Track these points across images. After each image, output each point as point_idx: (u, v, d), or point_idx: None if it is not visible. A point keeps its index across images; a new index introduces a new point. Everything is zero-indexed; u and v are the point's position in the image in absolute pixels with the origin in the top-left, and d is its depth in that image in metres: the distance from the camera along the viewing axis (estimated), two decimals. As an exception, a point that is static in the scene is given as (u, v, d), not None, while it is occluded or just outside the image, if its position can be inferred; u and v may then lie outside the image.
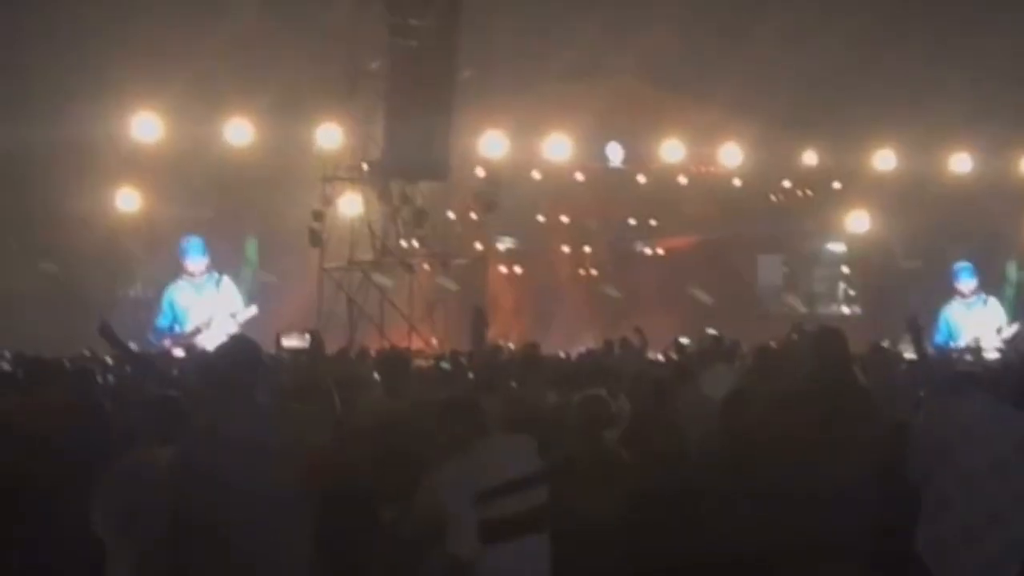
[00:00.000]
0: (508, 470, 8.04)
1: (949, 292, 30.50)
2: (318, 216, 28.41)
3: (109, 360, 18.67)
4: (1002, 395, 9.29)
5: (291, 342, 22.99)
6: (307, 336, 19.55)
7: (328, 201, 28.83)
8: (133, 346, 15.56)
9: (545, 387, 12.91)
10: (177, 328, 25.66)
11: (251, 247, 30.69)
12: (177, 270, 28.06)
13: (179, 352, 22.90)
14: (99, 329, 9.75)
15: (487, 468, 7.96)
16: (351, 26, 28.10)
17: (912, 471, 8.53)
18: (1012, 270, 35.79)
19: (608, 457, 9.54)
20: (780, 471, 8.61)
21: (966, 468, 8.29)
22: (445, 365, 18.68)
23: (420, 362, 20.67)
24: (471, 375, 15.31)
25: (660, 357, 21.01)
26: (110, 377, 16.35)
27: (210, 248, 28.15)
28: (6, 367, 17.37)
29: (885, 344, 22.35)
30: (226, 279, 26.71)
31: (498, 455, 8.08)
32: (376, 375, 12.53)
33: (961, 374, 9.44)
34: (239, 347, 8.46)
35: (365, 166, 28.57)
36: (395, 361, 12.34)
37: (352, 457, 9.31)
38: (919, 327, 10.78)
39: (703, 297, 34.90)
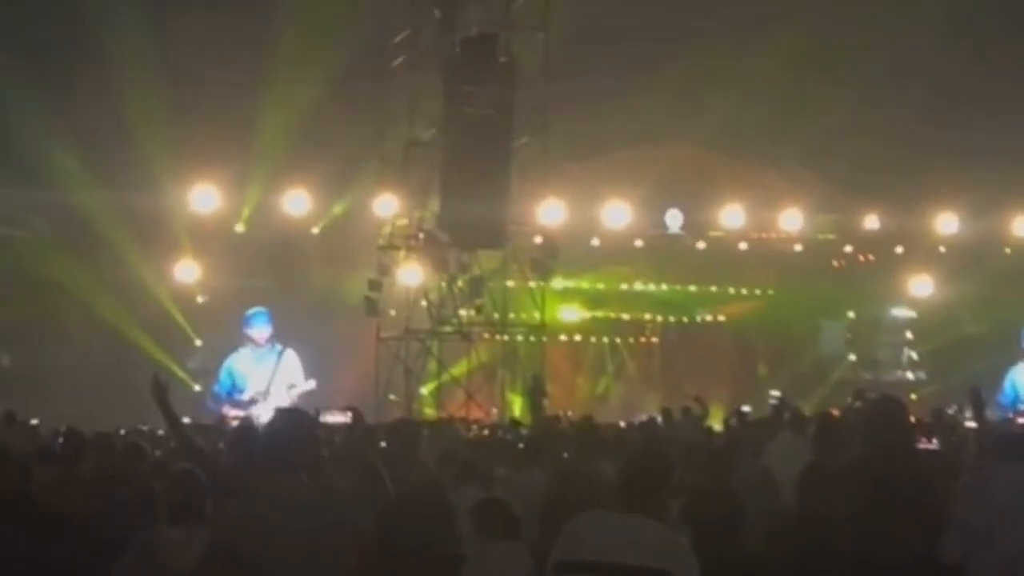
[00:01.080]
0: (605, 551, 7.29)
1: (1015, 356, 29.86)
2: (375, 286, 28.06)
3: (161, 434, 18.42)
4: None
5: (333, 418, 22.54)
6: (348, 413, 19.24)
7: (385, 271, 28.40)
8: (186, 419, 15.19)
9: (599, 458, 12.42)
10: (236, 395, 25.21)
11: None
12: (236, 342, 27.81)
13: (235, 417, 22.48)
14: (152, 389, 8.83)
15: (579, 540, 7.26)
16: (408, 96, 27.76)
17: (945, 553, 8.01)
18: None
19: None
20: (833, 544, 8.12)
21: (1003, 553, 7.79)
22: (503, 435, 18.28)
23: (476, 430, 20.42)
24: (521, 445, 14.89)
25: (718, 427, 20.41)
26: (158, 452, 15.88)
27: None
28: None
29: (951, 411, 21.89)
30: (289, 351, 26.22)
31: (599, 532, 7.39)
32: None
33: (1009, 437, 8.84)
34: (290, 422, 8.03)
35: (421, 235, 28.03)
36: (401, 430, 11.87)
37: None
38: (981, 398, 10.30)
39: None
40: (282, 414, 8.56)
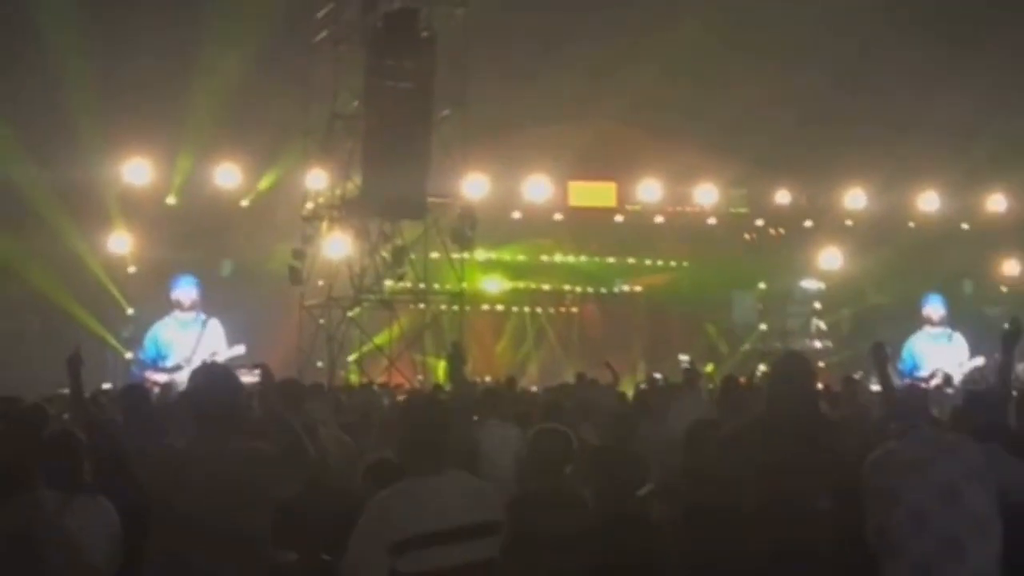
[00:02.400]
0: (440, 519, 6.66)
1: (917, 325, 29.74)
2: (298, 255, 27.44)
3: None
4: (962, 429, 8.22)
5: (243, 378, 21.89)
6: (256, 370, 18.59)
7: (308, 240, 27.79)
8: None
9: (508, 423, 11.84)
10: (160, 362, 24.55)
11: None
12: (167, 311, 27.32)
13: (155, 383, 21.82)
14: (68, 360, 8.84)
15: (407, 517, 6.60)
16: (331, 70, 27.07)
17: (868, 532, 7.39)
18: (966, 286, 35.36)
19: (565, 496, 8.33)
20: (733, 503, 7.50)
21: (915, 505, 7.16)
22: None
23: (400, 397, 19.97)
24: None
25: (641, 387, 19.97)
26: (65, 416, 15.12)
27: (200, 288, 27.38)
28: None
29: (857, 376, 21.67)
30: (213, 320, 25.69)
31: (427, 503, 6.70)
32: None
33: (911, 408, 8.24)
34: (207, 377, 7.44)
35: (343, 206, 27.51)
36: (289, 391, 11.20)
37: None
38: (884, 355, 9.73)
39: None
40: (201, 370, 7.89)
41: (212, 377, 7.48)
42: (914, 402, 7.79)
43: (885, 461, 7.39)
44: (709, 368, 29.26)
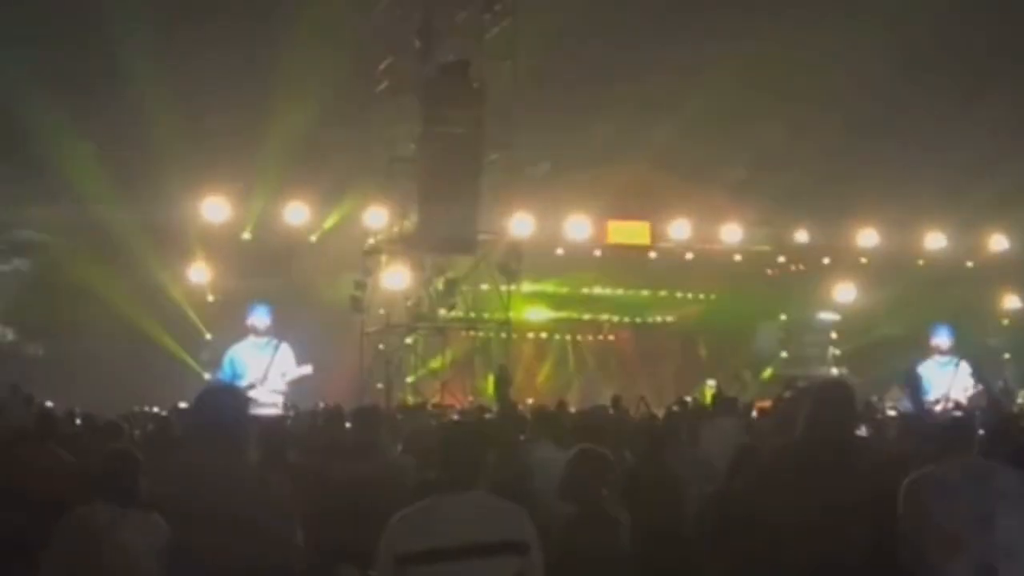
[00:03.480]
0: (451, 535, 6.10)
1: (926, 353, 29.28)
2: (359, 286, 27.35)
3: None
4: (995, 455, 7.63)
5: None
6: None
7: (369, 273, 27.70)
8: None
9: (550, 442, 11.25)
10: (236, 381, 24.25)
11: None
12: (242, 335, 27.21)
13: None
14: None
15: (419, 530, 6.05)
16: (390, 117, 27.02)
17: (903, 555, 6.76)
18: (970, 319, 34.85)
19: (603, 516, 7.77)
20: (772, 525, 6.88)
21: (950, 531, 6.56)
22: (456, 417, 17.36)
23: (453, 416, 19.60)
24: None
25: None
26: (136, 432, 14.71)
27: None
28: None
29: (873, 400, 21.28)
30: (284, 344, 25.41)
31: (441, 518, 6.13)
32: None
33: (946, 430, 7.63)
34: (214, 400, 6.89)
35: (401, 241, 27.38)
36: (366, 415, 10.69)
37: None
38: (917, 379, 9.17)
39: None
40: (209, 389, 7.37)
41: (221, 398, 6.92)
42: (963, 431, 7.20)
43: (922, 485, 6.80)
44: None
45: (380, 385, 27.52)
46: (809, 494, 6.65)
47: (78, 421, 17.12)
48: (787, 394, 11.37)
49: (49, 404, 21.05)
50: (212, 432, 6.56)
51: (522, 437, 12.18)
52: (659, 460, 10.05)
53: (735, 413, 14.22)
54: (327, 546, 7.91)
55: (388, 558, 6.07)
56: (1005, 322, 36.42)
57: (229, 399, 6.89)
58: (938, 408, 23.69)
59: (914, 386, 9.20)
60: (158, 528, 6.91)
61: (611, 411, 17.71)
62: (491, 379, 26.98)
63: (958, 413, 19.22)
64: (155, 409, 22.08)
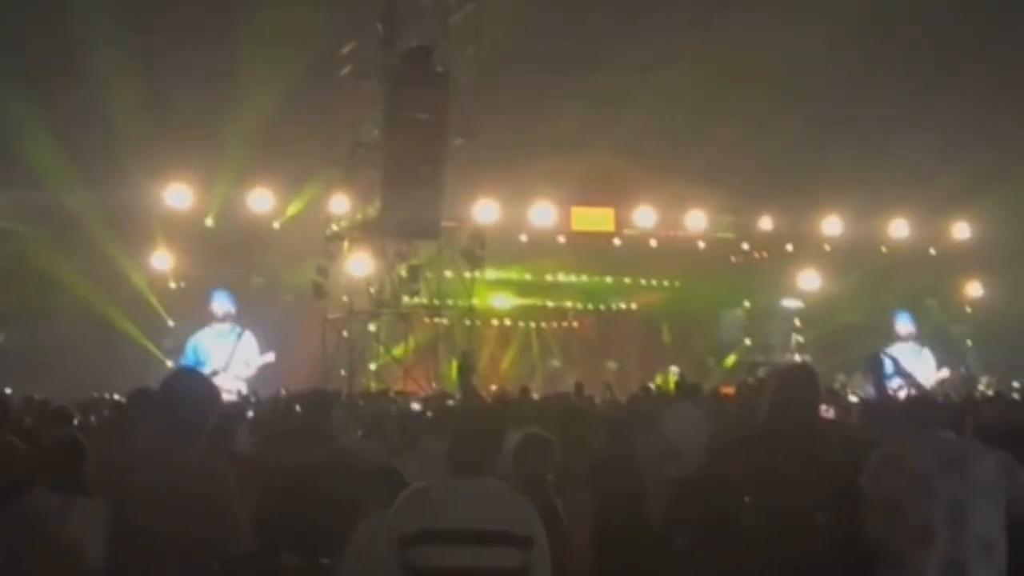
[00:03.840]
0: (455, 519, 5.92)
1: (887, 340, 29.38)
2: (322, 272, 27.06)
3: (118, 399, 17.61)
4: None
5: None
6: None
7: (332, 259, 27.43)
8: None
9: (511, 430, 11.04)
10: (199, 368, 24.14)
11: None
12: (205, 322, 27.13)
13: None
14: None
15: (423, 511, 5.88)
16: (354, 103, 26.67)
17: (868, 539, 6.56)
18: (933, 306, 34.93)
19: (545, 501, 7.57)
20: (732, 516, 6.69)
21: (920, 520, 6.37)
22: (415, 406, 17.19)
23: (415, 404, 19.36)
24: (428, 414, 13.76)
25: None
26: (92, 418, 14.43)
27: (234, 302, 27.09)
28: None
29: (837, 386, 21.24)
30: (247, 333, 25.60)
31: (446, 501, 5.94)
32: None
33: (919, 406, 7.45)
34: (182, 384, 6.65)
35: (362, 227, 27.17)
36: (314, 399, 10.46)
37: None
38: (880, 364, 8.99)
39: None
40: (178, 374, 7.11)
41: (189, 385, 6.65)
42: (923, 413, 7.01)
43: (889, 469, 6.60)
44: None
45: (343, 372, 27.32)
46: (776, 479, 6.46)
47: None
48: (750, 380, 11.17)
49: (8, 391, 20.93)
50: (167, 417, 6.33)
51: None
52: (623, 447, 9.87)
53: (698, 399, 14.03)
54: (273, 533, 7.67)
55: (391, 538, 5.94)
56: (968, 309, 36.51)
57: (196, 386, 6.63)
58: (901, 394, 23.77)
59: (877, 371, 9.02)
60: (103, 515, 6.70)
61: (574, 398, 17.56)
62: (454, 366, 26.79)
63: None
64: (115, 396, 21.82)
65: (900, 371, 9.32)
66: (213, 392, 6.77)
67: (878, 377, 8.98)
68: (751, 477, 6.56)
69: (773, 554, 6.39)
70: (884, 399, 8.61)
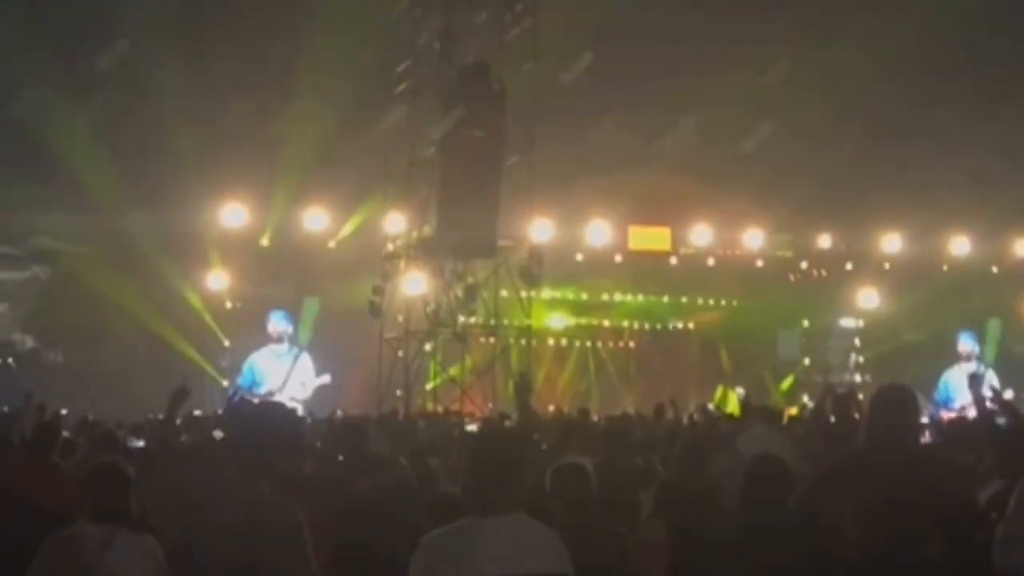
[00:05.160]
0: (489, 565, 5.28)
1: (950, 360, 28.74)
2: (378, 291, 26.72)
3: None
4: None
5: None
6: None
7: (388, 278, 27.05)
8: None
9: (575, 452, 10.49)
10: (255, 389, 23.85)
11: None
12: (260, 342, 26.83)
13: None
14: (175, 392, 8.56)
15: (453, 560, 5.23)
16: (409, 120, 26.49)
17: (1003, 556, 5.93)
18: (995, 327, 34.11)
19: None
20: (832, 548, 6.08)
21: None
22: (471, 428, 16.73)
23: (471, 425, 19.41)
24: None
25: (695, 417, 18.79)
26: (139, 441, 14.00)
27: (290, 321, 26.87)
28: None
29: None
30: (304, 354, 25.16)
31: (477, 546, 5.31)
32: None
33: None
34: (267, 418, 6.18)
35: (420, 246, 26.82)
36: (351, 431, 9.88)
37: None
38: (980, 384, 8.36)
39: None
40: (264, 408, 6.64)
41: (274, 420, 6.15)
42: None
43: None
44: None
45: (399, 392, 26.96)
46: (880, 512, 5.84)
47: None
48: (827, 401, 10.56)
49: (64, 412, 20.58)
50: (241, 450, 5.85)
51: (544, 446, 11.51)
52: (694, 470, 9.26)
53: (771, 420, 13.39)
54: (354, 561, 7.15)
55: None
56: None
57: (282, 421, 6.15)
58: (969, 415, 23.12)
59: (976, 391, 8.40)
60: (151, 550, 6.20)
61: (669, 412, 16.94)
62: (511, 386, 26.40)
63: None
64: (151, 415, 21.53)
65: (996, 396, 8.65)
66: (298, 428, 6.31)
67: (980, 398, 8.35)
68: (854, 511, 5.92)
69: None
70: (986, 420, 7.97)
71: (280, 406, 6.69)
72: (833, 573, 5.97)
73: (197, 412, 21.38)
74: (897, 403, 6.34)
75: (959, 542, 5.87)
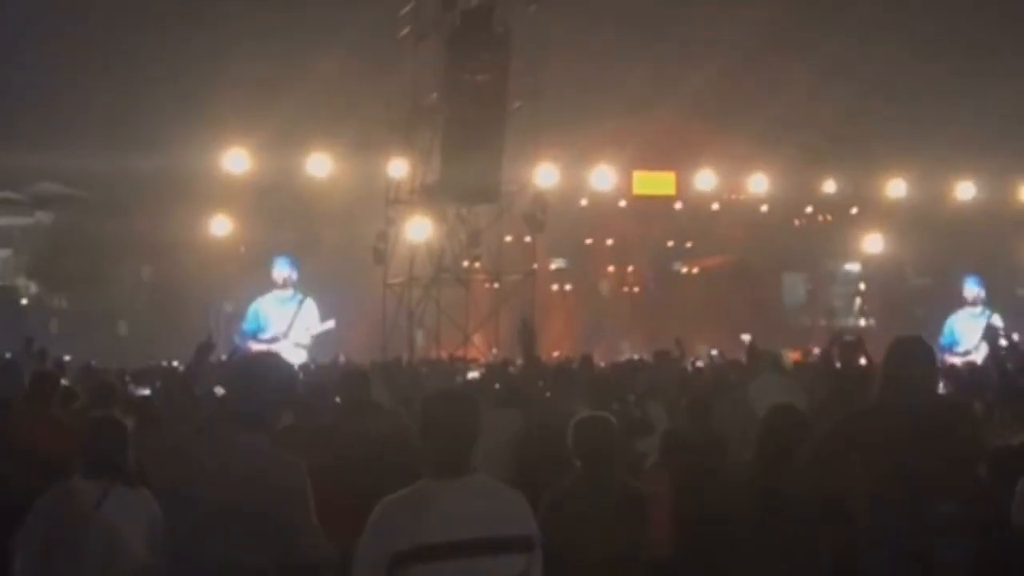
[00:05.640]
0: (450, 530, 5.00)
1: (955, 305, 28.64)
2: (381, 237, 26.52)
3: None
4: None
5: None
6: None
7: (391, 223, 26.85)
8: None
9: (578, 398, 10.28)
10: (260, 334, 23.73)
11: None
12: (265, 287, 26.73)
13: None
14: (200, 345, 8.86)
15: (412, 525, 5.00)
16: (413, 66, 26.08)
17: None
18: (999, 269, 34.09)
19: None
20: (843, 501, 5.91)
21: None
22: (473, 374, 16.56)
23: (474, 372, 19.09)
24: (497, 386, 12.97)
25: (700, 364, 18.55)
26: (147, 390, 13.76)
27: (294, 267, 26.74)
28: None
29: None
30: (308, 300, 25.05)
31: (436, 510, 5.08)
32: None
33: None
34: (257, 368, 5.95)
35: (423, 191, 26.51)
36: (352, 379, 9.61)
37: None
38: (997, 335, 8.16)
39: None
40: (256, 362, 6.45)
41: (267, 369, 5.96)
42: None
43: None
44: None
45: (403, 338, 26.81)
46: (896, 464, 5.64)
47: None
48: (835, 348, 10.36)
49: (67, 359, 20.43)
50: (237, 405, 5.72)
51: (548, 394, 11.33)
52: (702, 421, 9.11)
53: (780, 369, 13.15)
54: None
55: (379, 554, 4.99)
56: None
57: (273, 371, 5.95)
58: (973, 357, 23.00)
59: (994, 343, 8.20)
60: (147, 505, 6.04)
61: (676, 352, 16.75)
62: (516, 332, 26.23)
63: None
64: (175, 363, 21.37)
65: (1013, 347, 8.44)
66: (292, 377, 6.13)
67: (994, 348, 8.16)
68: (868, 465, 5.72)
69: (894, 549, 5.59)
70: (1003, 371, 7.78)
71: (274, 358, 6.47)
72: (846, 526, 5.80)
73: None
74: (914, 352, 6.13)
75: (974, 495, 5.69)
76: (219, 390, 9.49)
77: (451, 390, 6.71)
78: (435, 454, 5.21)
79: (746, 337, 27.77)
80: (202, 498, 5.37)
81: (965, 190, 33.54)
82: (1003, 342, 8.74)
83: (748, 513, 6.65)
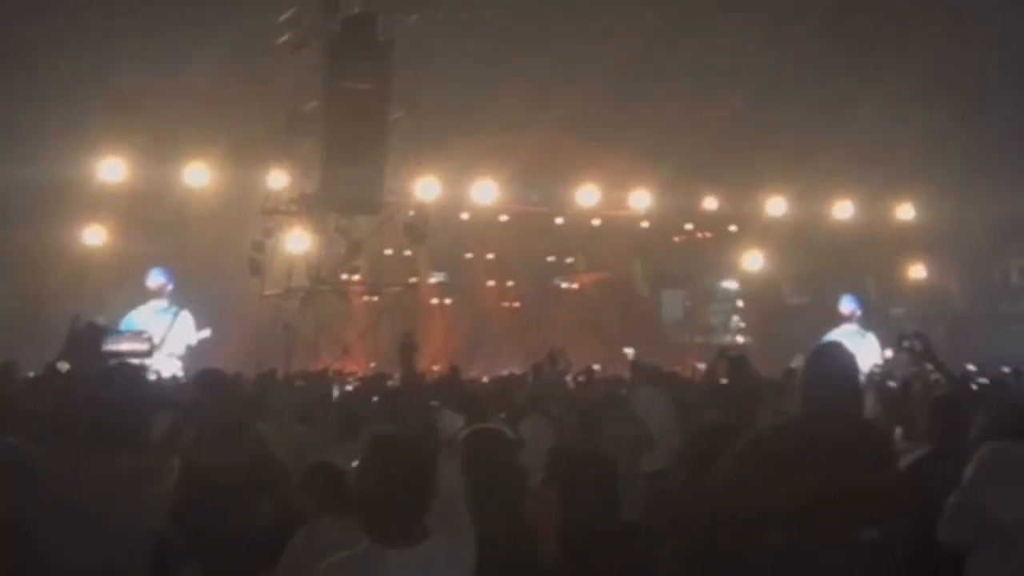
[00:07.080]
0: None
1: (832, 323, 28.81)
2: (257, 247, 26.14)
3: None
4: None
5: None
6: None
7: (269, 234, 26.44)
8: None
9: (458, 410, 9.86)
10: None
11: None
12: (139, 299, 26.07)
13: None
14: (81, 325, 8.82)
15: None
16: (292, 71, 25.83)
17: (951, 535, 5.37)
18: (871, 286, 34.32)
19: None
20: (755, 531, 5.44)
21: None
22: (349, 388, 16.21)
23: (351, 384, 18.92)
24: (375, 399, 12.56)
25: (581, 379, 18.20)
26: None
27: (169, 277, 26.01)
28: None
29: (794, 366, 20.22)
30: (184, 312, 24.51)
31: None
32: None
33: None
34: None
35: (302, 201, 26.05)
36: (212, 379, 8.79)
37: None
38: (928, 342, 7.86)
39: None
40: (105, 378, 5.86)
41: (116, 388, 5.38)
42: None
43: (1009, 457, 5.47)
44: None
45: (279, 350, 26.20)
46: (814, 487, 5.12)
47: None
48: (720, 363, 10.03)
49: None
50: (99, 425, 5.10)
51: (433, 403, 10.96)
52: (592, 437, 8.66)
53: (658, 382, 12.81)
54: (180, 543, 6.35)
55: None
56: (909, 293, 35.72)
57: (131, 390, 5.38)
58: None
59: (928, 349, 7.90)
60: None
61: (550, 366, 16.38)
62: (395, 346, 25.81)
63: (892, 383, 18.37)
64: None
65: (931, 355, 8.12)
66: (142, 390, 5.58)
67: (932, 356, 7.86)
68: (786, 488, 5.17)
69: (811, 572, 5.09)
70: (953, 379, 7.51)
71: (122, 368, 5.92)
72: (758, 551, 5.31)
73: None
74: (837, 365, 5.62)
75: (895, 527, 5.23)
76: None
77: (406, 436, 5.37)
78: (384, 515, 4.36)
79: (629, 351, 27.62)
80: (44, 528, 4.80)
81: (843, 209, 33.83)
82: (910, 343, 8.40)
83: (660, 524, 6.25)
